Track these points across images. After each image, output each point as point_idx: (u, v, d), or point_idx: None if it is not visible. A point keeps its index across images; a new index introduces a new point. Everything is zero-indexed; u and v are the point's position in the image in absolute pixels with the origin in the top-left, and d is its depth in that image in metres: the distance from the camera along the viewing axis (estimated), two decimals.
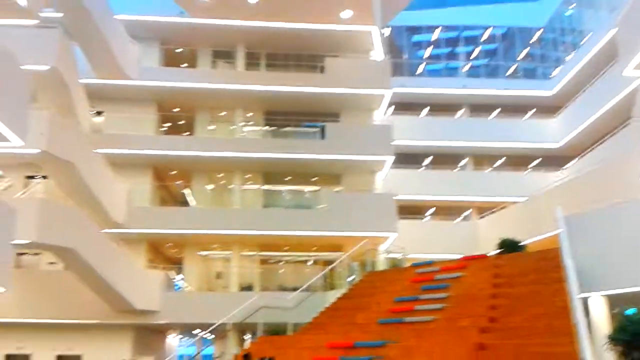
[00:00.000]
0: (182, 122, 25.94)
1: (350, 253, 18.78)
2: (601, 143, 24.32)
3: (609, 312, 12.87)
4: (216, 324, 16.56)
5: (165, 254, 25.98)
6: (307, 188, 25.62)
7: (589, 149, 26.02)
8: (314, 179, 25.60)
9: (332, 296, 16.92)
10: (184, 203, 25.66)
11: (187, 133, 25.70)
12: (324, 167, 24.69)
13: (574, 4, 30.23)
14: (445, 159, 30.27)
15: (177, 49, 26.18)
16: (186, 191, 25.33)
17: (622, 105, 23.01)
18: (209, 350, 29.28)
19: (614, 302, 13.41)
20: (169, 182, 25.95)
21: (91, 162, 19.73)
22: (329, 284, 18.99)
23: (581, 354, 8.22)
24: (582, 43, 28.45)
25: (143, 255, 22.92)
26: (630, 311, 14.14)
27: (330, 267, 18.55)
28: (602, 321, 12.75)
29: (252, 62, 26.16)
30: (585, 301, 12.95)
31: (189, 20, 24.56)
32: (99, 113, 24.41)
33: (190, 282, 23.49)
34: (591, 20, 28.15)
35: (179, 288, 24.86)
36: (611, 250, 12.68)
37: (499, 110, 31.36)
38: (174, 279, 25.16)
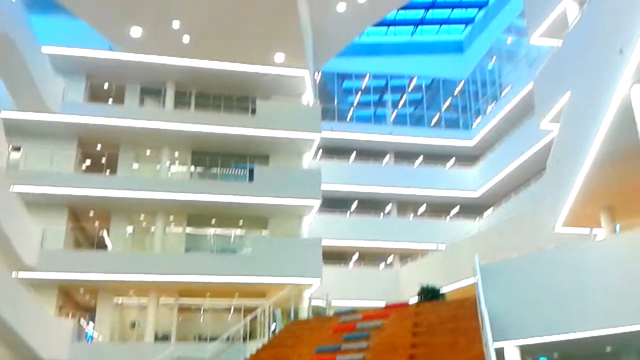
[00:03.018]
0: (104, 160, 25.04)
1: (273, 300, 18.41)
2: (516, 193, 25.39)
3: None
4: None
5: (77, 300, 24.55)
6: (232, 231, 25.16)
7: (504, 199, 27.09)
8: (240, 223, 25.19)
9: (253, 347, 16.41)
10: (102, 246, 24.54)
11: (108, 172, 24.80)
12: (251, 210, 24.38)
13: (495, 58, 31.93)
14: (371, 205, 30.69)
15: (104, 84, 25.48)
16: (104, 233, 24.26)
17: (537, 157, 24.18)
18: None
19: (528, 351, 13.73)
20: (86, 224, 24.80)
21: (3, 200, 18.57)
22: (250, 333, 18.46)
23: None
24: (501, 95, 29.95)
25: (53, 301, 21.57)
26: (542, 358, 14.53)
27: (251, 315, 18.06)
28: None
29: (181, 100, 25.80)
30: (500, 350, 13.18)
31: (118, 56, 23.94)
32: (16, 149, 23.25)
33: (103, 331, 22.23)
34: (511, 74, 29.76)
35: (90, 338, 23.50)
36: (524, 299, 13.03)
37: (422, 158, 32.30)
38: (86, 327, 23.80)
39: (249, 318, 17.67)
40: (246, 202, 23.41)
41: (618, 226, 14.89)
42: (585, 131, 12.93)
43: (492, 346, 9.44)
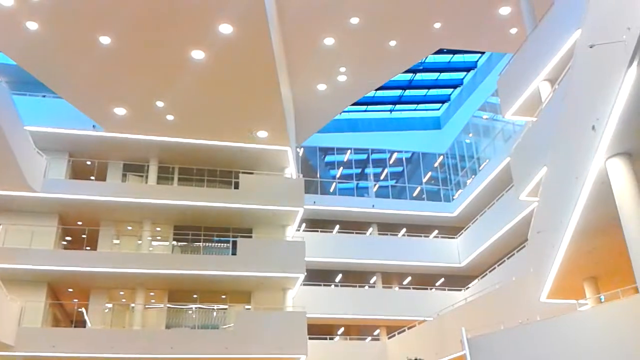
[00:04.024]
0: (85, 236, 24.76)
1: None
2: (500, 264, 25.56)
3: None
4: None
5: None
6: (215, 306, 24.73)
7: (488, 270, 27.23)
8: (223, 297, 24.81)
9: None
10: (80, 323, 23.89)
11: (88, 248, 24.49)
12: (235, 284, 24.09)
13: (472, 133, 32.96)
14: (355, 276, 30.55)
15: (87, 161, 25.58)
16: (83, 310, 23.69)
17: (519, 227, 24.47)
18: None
19: None
20: (64, 300, 24.24)
21: None
22: None
23: None
24: (480, 169, 30.71)
25: None
26: None
27: None
28: None
29: (164, 175, 25.92)
30: None
31: (101, 134, 24.27)
32: None
33: None
34: (488, 148, 30.66)
35: None
36: None
37: (405, 229, 32.55)
38: None
39: None
40: (229, 275, 23.16)
41: (602, 296, 15.03)
42: (564, 204, 13.28)
43: None
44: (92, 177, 25.49)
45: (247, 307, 24.55)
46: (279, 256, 23.63)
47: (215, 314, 24.66)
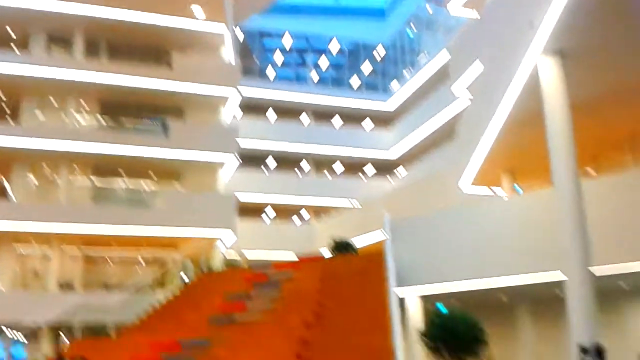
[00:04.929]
0: (6, 108, 23.36)
1: (184, 252, 18.29)
2: (428, 155, 26.39)
3: (424, 310, 13.93)
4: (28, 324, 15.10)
5: None
6: (144, 184, 24.46)
7: (418, 161, 28.10)
8: (152, 176, 24.50)
9: (163, 296, 16.33)
10: (3, 194, 23.19)
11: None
12: (164, 164, 23.68)
13: (415, 25, 32.60)
14: (289, 163, 30.89)
15: (7, 28, 23.55)
16: (5, 182, 22.90)
17: (452, 121, 25.03)
18: (20, 352, 26.65)
19: (430, 301, 14.57)
20: None
21: None
22: (160, 283, 18.27)
23: (394, 347, 8.77)
24: (420, 62, 30.71)
25: None
26: (440, 305, 15.46)
27: (162, 265, 17.87)
28: (418, 319, 13.77)
29: (92, 52, 24.35)
30: (404, 301, 13.93)
31: (21, 4, 22.22)
32: None
33: (2, 279, 21.21)
34: (429, 41, 30.51)
35: None
36: (429, 252, 13.78)
37: (341, 119, 32.71)
38: None
39: (159, 270, 17.46)
40: (157, 155, 22.75)
41: (516, 186, 15.93)
42: (494, 98, 13.59)
43: (395, 296, 9.97)
44: (15, 49, 23.64)
45: (177, 186, 24.42)
46: (210, 138, 23.31)
47: (143, 193, 24.40)
